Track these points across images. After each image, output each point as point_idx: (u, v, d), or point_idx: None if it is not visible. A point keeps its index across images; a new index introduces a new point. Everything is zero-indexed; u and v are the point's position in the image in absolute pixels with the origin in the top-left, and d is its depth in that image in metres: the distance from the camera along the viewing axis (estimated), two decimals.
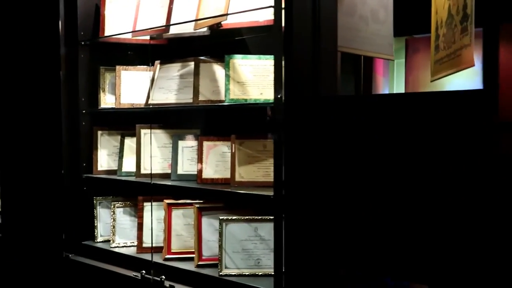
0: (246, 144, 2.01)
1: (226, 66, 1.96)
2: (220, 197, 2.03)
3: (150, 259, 2.14)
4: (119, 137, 2.49)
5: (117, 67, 2.37)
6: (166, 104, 2.17)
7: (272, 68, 1.92)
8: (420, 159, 1.34)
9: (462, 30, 1.32)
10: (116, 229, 2.37)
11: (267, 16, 1.93)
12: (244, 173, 1.97)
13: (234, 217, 1.96)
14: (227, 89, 1.92)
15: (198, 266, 2.02)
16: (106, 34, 2.37)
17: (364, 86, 2.06)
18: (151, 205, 2.23)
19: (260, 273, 1.90)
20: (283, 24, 1.69)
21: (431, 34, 1.43)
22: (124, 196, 2.45)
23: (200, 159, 2.08)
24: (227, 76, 1.94)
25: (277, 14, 1.64)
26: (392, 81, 2.21)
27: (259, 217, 1.96)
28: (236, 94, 1.92)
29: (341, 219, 1.55)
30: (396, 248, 1.40)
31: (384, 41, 1.93)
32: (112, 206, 2.38)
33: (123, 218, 2.40)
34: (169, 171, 2.26)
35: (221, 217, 1.96)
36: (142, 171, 2.26)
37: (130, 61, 2.52)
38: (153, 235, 2.22)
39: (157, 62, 2.33)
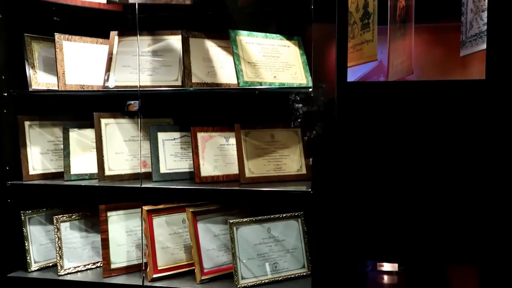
0: (252, 134, 1.75)
1: (233, 43, 1.66)
2: (231, 198, 1.74)
3: (126, 283, 1.70)
4: (56, 130, 1.89)
5: (57, 35, 1.78)
6: (138, 87, 1.72)
7: (282, 49, 1.74)
8: (448, 147, 1.38)
9: (363, 26, 1.45)
10: (63, 250, 1.80)
11: None
12: (254, 168, 1.72)
13: (245, 219, 1.70)
14: (239, 71, 1.63)
15: (203, 282, 1.69)
16: None
17: None
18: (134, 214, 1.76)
19: (280, 278, 1.70)
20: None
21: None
22: (68, 206, 1.88)
23: (196, 154, 1.73)
24: (237, 55, 1.65)
25: None
26: None
27: (272, 216, 1.74)
28: (249, 76, 1.65)
29: (368, 210, 1.49)
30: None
31: None
32: (55, 222, 1.79)
33: (71, 236, 1.83)
34: (143, 170, 1.82)
35: (231, 221, 1.68)
36: (107, 173, 1.76)
37: (61, 28, 1.93)
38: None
39: (113, 33, 1.84)
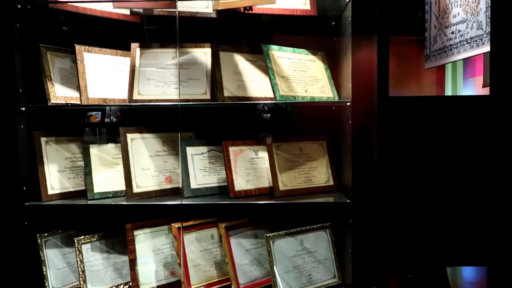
0: (283, 147, 1.77)
1: (267, 57, 1.68)
2: (266, 212, 1.74)
3: None
4: (72, 146, 1.79)
5: (77, 46, 1.70)
6: (179, 100, 1.69)
7: (309, 63, 1.79)
8: (481, 157, 1.49)
9: None
10: (86, 274, 1.69)
11: (298, 5, 1.77)
12: (287, 181, 1.74)
13: (281, 232, 1.70)
14: (274, 85, 1.65)
15: None
16: None
17: None
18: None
19: None
20: (349, 18, 1.58)
21: None
22: (84, 227, 1.78)
23: (229, 168, 1.71)
24: (271, 70, 1.67)
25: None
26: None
27: (303, 228, 1.76)
28: (284, 90, 1.67)
29: (406, 219, 1.57)
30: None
31: None
32: (76, 244, 1.69)
33: (93, 258, 1.74)
34: (168, 186, 1.77)
35: (267, 234, 1.67)
36: (135, 190, 1.69)
37: (73, 39, 1.84)
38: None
39: (135, 45, 1.78)
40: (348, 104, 1.58)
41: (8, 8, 1.56)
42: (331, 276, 1.76)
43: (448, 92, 2.04)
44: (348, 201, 1.60)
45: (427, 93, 2.01)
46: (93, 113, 1.92)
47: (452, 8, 1.61)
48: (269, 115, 1.87)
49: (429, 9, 1.75)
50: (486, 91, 1.71)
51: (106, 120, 1.91)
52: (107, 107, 1.87)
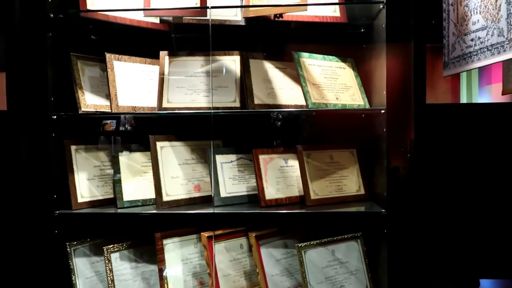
0: (313, 156, 1.75)
1: (298, 65, 1.66)
2: (297, 221, 1.72)
3: None
4: (101, 154, 1.79)
5: (108, 55, 1.70)
6: (211, 108, 1.67)
7: (339, 71, 1.77)
8: None
9: None
10: (115, 283, 1.68)
11: (328, 12, 1.75)
12: (318, 190, 1.71)
13: (312, 242, 1.67)
14: (306, 92, 1.63)
15: None
16: (92, 6, 1.67)
17: None
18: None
19: None
20: (383, 24, 1.56)
21: None
22: (111, 236, 1.76)
23: (259, 177, 1.69)
24: (302, 77, 1.65)
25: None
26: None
27: (334, 238, 1.73)
28: (315, 98, 1.64)
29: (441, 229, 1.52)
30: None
31: None
32: (106, 252, 1.68)
33: (121, 267, 1.72)
34: (197, 195, 1.75)
35: (299, 244, 1.64)
36: (165, 198, 1.68)
37: (102, 47, 1.84)
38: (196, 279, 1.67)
39: (163, 53, 1.78)
40: (382, 111, 1.55)
41: (41, 18, 1.57)
42: (363, 287, 1.72)
43: (463, 100, 2.01)
44: (383, 210, 1.56)
45: (442, 101, 1.97)
46: (108, 121, 1.92)
47: (471, 15, 1.59)
48: (297, 123, 1.85)
49: (447, 16, 1.73)
50: (504, 99, 1.67)
51: (121, 128, 1.91)
52: (122, 116, 1.87)
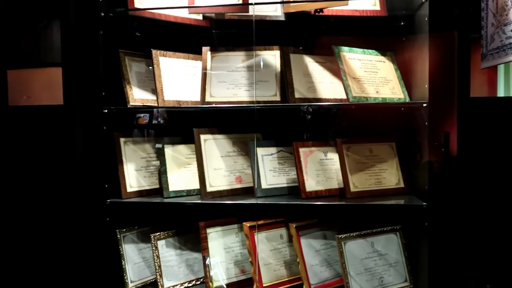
0: (353, 149, 1.76)
1: (339, 59, 1.68)
2: (338, 213, 1.75)
3: None
4: (147, 146, 1.87)
5: (154, 51, 1.77)
6: (255, 103, 1.72)
7: (379, 64, 1.77)
8: None
9: None
10: (162, 269, 1.76)
11: (368, 6, 1.76)
12: (358, 182, 1.73)
13: (352, 234, 1.70)
14: (347, 86, 1.64)
15: None
16: (139, 4, 1.74)
17: None
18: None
19: None
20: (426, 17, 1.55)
21: None
22: (157, 224, 1.85)
23: (299, 169, 1.72)
24: (343, 71, 1.67)
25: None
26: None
27: (374, 230, 1.75)
28: (356, 92, 1.66)
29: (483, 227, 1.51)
30: None
31: None
32: (153, 239, 1.76)
33: (167, 254, 1.80)
34: (238, 186, 1.81)
35: (339, 235, 1.67)
36: (209, 189, 1.74)
37: (147, 44, 1.91)
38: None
39: (206, 49, 1.83)
40: (424, 105, 1.55)
41: (93, 16, 1.66)
42: (402, 280, 1.74)
43: (501, 93, 1.95)
44: (424, 204, 1.57)
45: (479, 95, 1.93)
46: (141, 115, 2.00)
47: (511, 4, 1.55)
48: (336, 116, 1.87)
49: (486, 6, 1.68)
50: None
51: (154, 121, 1.99)
52: (154, 110, 1.94)
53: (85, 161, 1.66)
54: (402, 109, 1.85)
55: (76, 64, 1.63)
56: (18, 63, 1.90)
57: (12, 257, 1.90)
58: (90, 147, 1.66)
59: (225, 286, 1.73)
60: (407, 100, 1.77)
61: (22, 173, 1.88)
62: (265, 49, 1.83)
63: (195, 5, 1.71)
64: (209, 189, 1.74)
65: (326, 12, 1.72)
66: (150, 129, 1.95)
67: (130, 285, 1.77)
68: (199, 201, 1.70)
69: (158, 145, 1.80)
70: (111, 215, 1.73)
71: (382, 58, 1.82)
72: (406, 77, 1.80)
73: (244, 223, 1.74)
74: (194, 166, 1.81)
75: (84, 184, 1.66)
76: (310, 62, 1.81)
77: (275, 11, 1.79)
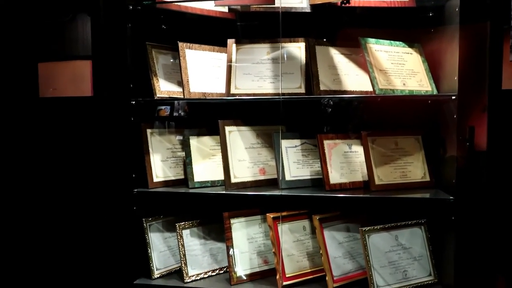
0: (378, 142, 1.75)
1: (365, 51, 1.67)
2: (363, 205, 1.75)
3: None
4: (172, 137, 1.90)
5: (180, 43, 1.79)
6: (280, 95, 1.73)
7: (406, 56, 1.74)
8: None
9: None
10: (186, 257, 1.80)
11: None
12: (382, 175, 1.72)
13: (376, 227, 1.69)
14: (373, 78, 1.63)
15: None
16: None
17: None
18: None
19: (410, 287, 1.69)
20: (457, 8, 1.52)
21: None
22: (183, 214, 1.88)
23: (324, 161, 1.73)
24: (369, 63, 1.65)
25: None
26: None
27: (398, 224, 1.73)
28: (383, 84, 1.64)
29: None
30: None
31: None
32: (178, 229, 1.80)
33: (192, 243, 1.84)
34: (262, 178, 1.83)
35: (363, 228, 1.67)
36: (233, 180, 1.76)
37: (172, 36, 1.93)
38: (253, 257, 1.76)
39: (231, 41, 1.84)
40: (453, 98, 1.53)
41: (122, 10, 1.69)
42: (426, 274, 1.73)
43: None
44: (451, 197, 1.55)
45: (507, 87, 1.87)
46: (163, 107, 2.03)
47: None
48: (362, 108, 1.86)
49: None
50: None
51: (175, 114, 2.01)
52: (175, 102, 1.96)
53: (114, 152, 1.70)
54: (429, 101, 1.82)
55: (105, 57, 1.66)
56: (45, 56, 1.95)
57: (43, 245, 1.98)
58: (118, 137, 1.70)
59: (248, 276, 1.76)
60: (435, 92, 1.74)
61: (53, 163, 1.94)
62: (290, 41, 1.83)
63: None
64: (233, 180, 1.76)
65: (353, 3, 1.70)
66: (172, 121, 1.98)
67: (156, 272, 1.81)
68: (223, 192, 1.72)
69: (179, 137, 1.83)
70: (138, 205, 1.78)
71: (409, 49, 1.79)
72: (434, 69, 1.77)
73: (267, 214, 1.76)
74: (218, 157, 1.83)
75: (112, 174, 1.70)
76: (336, 54, 1.80)
77: (301, 3, 1.78)
